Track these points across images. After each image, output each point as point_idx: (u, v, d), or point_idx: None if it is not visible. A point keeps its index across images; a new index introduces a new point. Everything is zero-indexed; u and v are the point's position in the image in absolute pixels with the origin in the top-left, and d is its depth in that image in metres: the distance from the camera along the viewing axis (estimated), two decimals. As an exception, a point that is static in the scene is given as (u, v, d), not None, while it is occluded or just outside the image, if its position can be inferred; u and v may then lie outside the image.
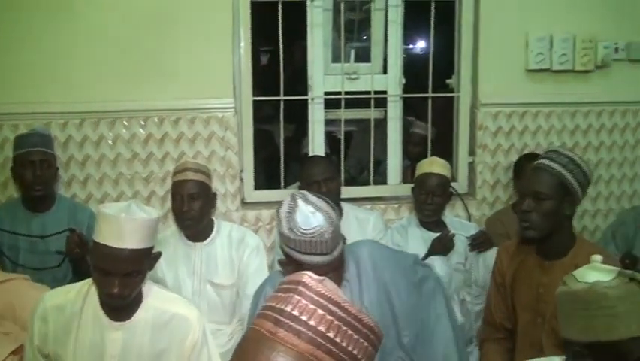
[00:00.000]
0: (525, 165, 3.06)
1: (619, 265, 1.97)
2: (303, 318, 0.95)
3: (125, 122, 3.25)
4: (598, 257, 1.60)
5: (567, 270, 2.17)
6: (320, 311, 0.95)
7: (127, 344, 2.03)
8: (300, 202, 1.83)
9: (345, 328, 0.96)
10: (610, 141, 3.65)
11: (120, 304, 2.01)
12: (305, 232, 1.79)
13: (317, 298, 0.96)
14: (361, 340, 0.98)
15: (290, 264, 1.88)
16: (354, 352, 0.97)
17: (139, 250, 1.94)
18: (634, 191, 3.71)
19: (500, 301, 2.44)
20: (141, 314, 2.05)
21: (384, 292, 2.00)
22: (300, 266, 1.82)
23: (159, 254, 2.09)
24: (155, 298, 2.08)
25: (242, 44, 3.33)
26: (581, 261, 2.16)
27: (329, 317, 0.95)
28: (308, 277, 0.99)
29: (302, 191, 1.91)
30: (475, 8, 3.49)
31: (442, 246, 2.98)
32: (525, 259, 2.35)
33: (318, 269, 1.80)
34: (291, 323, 0.94)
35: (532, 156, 3.01)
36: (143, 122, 3.27)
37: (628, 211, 3.36)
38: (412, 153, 3.97)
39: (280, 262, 1.96)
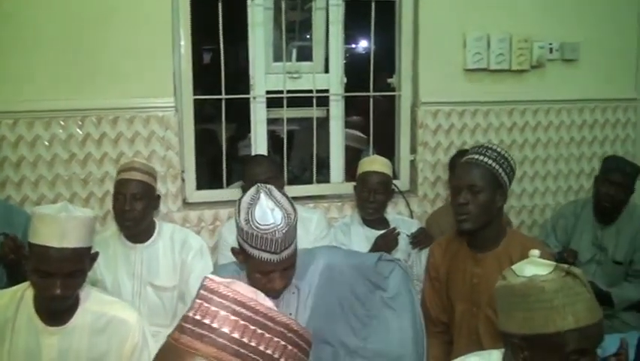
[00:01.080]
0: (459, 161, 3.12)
1: (551, 257, 2.03)
2: (206, 321, 0.92)
3: (62, 122, 3.16)
4: (536, 252, 1.64)
5: (500, 260, 2.24)
6: (223, 313, 0.93)
7: (64, 349, 1.99)
8: (263, 196, 1.81)
9: (253, 327, 0.93)
10: (546, 138, 3.76)
11: (60, 307, 1.98)
12: (259, 226, 1.77)
13: (219, 300, 0.94)
14: (276, 338, 0.94)
15: (241, 253, 1.89)
16: (269, 351, 0.94)
17: (80, 248, 1.94)
18: (569, 186, 3.83)
19: (435, 296, 2.50)
20: (78, 318, 2.01)
21: (329, 310, 2.00)
22: (249, 258, 1.83)
23: (97, 254, 2.08)
24: (92, 302, 2.05)
25: (182, 42, 3.28)
26: (513, 251, 2.24)
27: (233, 318, 0.93)
28: (209, 280, 0.97)
29: (268, 185, 1.88)
30: (414, 8, 3.54)
31: (386, 243, 3.00)
32: (457, 253, 2.41)
33: (264, 265, 1.81)
34: (194, 328, 0.92)
35: (465, 152, 3.06)
36: (80, 122, 3.18)
37: (567, 205, 3.49)
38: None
39: (233, 250, 1.95)
